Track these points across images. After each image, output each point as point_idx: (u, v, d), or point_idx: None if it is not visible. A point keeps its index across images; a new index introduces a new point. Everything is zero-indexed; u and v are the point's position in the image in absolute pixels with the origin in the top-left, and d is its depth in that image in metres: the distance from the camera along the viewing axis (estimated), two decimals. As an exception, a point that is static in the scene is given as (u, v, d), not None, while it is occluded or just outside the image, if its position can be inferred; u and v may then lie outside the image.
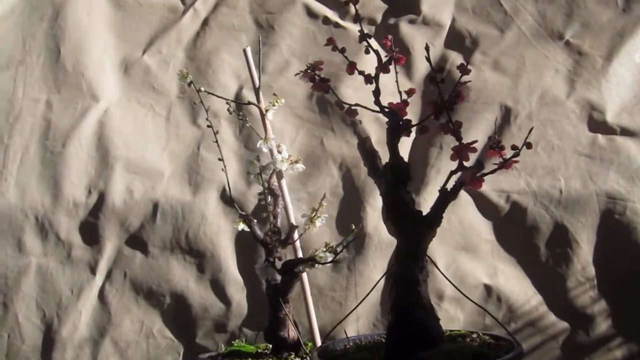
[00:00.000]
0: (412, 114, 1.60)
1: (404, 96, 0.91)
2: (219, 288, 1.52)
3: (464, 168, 0.87)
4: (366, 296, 1.06)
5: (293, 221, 1.16)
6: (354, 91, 1.54)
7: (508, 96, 1.55)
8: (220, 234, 1.55)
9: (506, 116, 1.53)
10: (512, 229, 1.47)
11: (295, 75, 0.94)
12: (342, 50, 0.91)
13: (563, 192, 1.46)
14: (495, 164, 0.87)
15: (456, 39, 1.65)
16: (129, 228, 1.56)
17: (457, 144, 0.87)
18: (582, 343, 1.39)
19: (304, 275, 1.17)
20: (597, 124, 1.50)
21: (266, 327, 1.14)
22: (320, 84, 0.92)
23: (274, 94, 1.21)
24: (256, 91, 1.21)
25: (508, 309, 1.43)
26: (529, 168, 1.49)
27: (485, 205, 1.49)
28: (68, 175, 1.59)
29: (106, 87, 1.68)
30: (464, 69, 0.86)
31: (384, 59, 0.91)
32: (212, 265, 1.53)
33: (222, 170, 1.13)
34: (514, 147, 0.85)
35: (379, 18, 1.70)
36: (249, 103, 1.21)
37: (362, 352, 0.94)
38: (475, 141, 0.86)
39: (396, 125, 0.91)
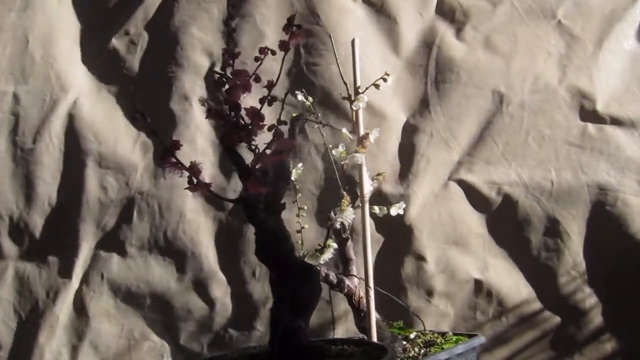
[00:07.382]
0: (399, 93, 1.54)
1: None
2: (201, 288, 1.47)
3: (193, 184, 0.75)
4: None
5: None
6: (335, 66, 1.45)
7: (501, 81, 1.49)
8: (200, 231, 1.49)
9: (498, 103, 1.48)
10: (504, 222, 1.44)
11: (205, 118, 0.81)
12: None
13: (554, 184, 1.42)
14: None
15: (446, 10, 1.57)
16: (105, 228, 1.50)
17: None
18: (573, 336, 1.37)
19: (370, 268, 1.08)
20: (588, 113, 1.46)
21: None
22: (214, 114, 0.77)
23: (384, 78, 1.07)
24: (355, 88, 1.10)
25: (499, 304, 1.40)
26: (519, 159, 1.45)
27: (476, 198, 1.45)
28: (41, 174, 1.53)
29: (75, 77, 1.60)
30: None
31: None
32: (193, 264, 1.48)
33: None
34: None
35: (365, -11, 1.62)
36: (345, 98, 1.09)
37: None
38: (178, 142, 0.74)
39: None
